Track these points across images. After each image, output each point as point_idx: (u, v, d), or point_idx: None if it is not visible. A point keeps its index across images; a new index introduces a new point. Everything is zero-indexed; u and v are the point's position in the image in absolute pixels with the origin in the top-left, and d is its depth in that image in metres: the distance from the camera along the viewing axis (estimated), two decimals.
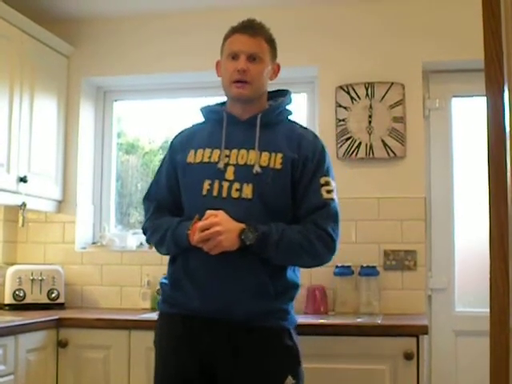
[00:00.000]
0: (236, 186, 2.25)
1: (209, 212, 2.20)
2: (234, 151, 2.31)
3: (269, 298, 2.24)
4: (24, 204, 3.57)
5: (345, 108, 3.75)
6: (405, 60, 3.72)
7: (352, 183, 3.66)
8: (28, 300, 3.66)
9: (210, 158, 2.32)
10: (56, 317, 3.28)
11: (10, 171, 3.45)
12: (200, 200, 2.27)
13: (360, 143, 3.70)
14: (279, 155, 2.29)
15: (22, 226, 3.66)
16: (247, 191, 2.24)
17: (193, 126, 2.52)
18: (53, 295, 3.74)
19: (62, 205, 4.01)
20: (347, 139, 3.71)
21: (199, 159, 2.33)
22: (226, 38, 2.39)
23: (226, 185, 2.26)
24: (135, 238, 4.02)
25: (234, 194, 2.25)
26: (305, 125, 2.50)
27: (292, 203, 2.31)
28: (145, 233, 2.51)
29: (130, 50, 4.04)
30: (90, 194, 4.17)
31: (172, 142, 2.52)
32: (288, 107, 2.45)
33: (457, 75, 3.78)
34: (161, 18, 3.99)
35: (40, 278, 3.72)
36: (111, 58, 4.07)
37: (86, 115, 4.15)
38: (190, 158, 2.36)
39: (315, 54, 3.81)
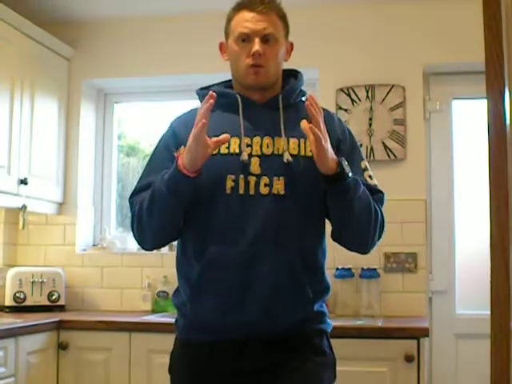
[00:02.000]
0: (264, 180, 1.92)
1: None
2: (257, 139, 1.96)
3: (308, 303, 1.96)
4: (24, 206, 3.57)
5: (345, 110, 3.75)
6: (405, 62, 3.72)
7: None
8: (28, 302, 3.66)
9: (228, 148, 1.94)
10: (57, 319, 3.28)
11: (11, 173, 3.45)
12: (223, 199, 1.91)
13: (361, 145, 3.69)
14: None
15: (23, 228, 3.66)
16: (278, 186, 1.92)
17: (191, 110, 2.09)
18: (53, 297, 3.74)
19: (62, 207, 4.01)
20: None
21: (215, 150, 1.89)
22: (231, 15, 2.04)
23: (252, 180, 1.92)
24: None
25: (263, 191, 1.91)
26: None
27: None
28: (133, 223, 2.01)
29: (131, 52, 4.05)
30: (90, 196, 4.17)
31: (172, 127, 2.08)
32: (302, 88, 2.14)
33: (457, 77, 3.78)
34: (161, 20, 3.99)
35: (40, 280, 3.72)
36: (112, 60, 4.07)
37: (87, 117, 4.15)
38: None
39: (316, 57, 3.81)
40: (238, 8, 2.02)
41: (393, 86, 3.71)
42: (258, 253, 1.89)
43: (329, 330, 2.05)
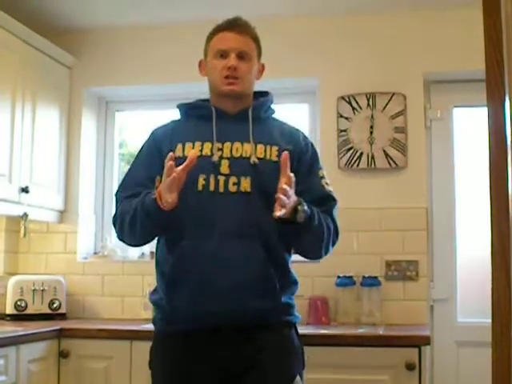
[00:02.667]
0: (233, 179, 2.15)
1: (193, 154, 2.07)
2: (227, 144, 2.19)
3: (275, 293, 2.13)
4: (26, 214, 3.57)
5: (346, 118, 3.75)
6: (406, 70, 3.73)
7: (353, 194, 3.66)
8: (29, 310, 3.66)
9: (201, 151, 2.19)
10: (57, 327, 3.28)
11: (12, 181, 3.45)
12: (194, 196, 2.12)
13: (361, 153, 3.70)
14: (274, 148, 2.21)
15: (24, 236, 3.66)
16: (245, 184, 2.15)
17: (172, 121, 2.38)
18: (54, 305, 3.73)
19: (63, 215, 4.01)
20: (349, 149, 3.72)
21: (190, 153, 2.14)
22: (210, 36, 2.35)
23: (222, 179, 2.14)
24: (137, 249, 4.02)
25: (232, 188, 2.14)
26: (306, 134, 2.45)
27: None
28: (115, 223, 2.25)
29: (132, 60, 4.06)
30: (91, 204, 4.17)
31: (154, 133, 2.34)
32: (272, 106, 2.40)
33: (458, 85, 3.78)
34: (162, 28, 4.00)
35: (42, 288, 3.72)
36: (113, 69, 4.08)
37: (88, 125, 4.16)
38: (179, 152, 2.19)
39: (317, 65, 3.82)
40: (217, 29, 2.32)
41: (393, 94, 3.72)
42: (227, 246, 2.09)
43: (297, 322, 2.25)
